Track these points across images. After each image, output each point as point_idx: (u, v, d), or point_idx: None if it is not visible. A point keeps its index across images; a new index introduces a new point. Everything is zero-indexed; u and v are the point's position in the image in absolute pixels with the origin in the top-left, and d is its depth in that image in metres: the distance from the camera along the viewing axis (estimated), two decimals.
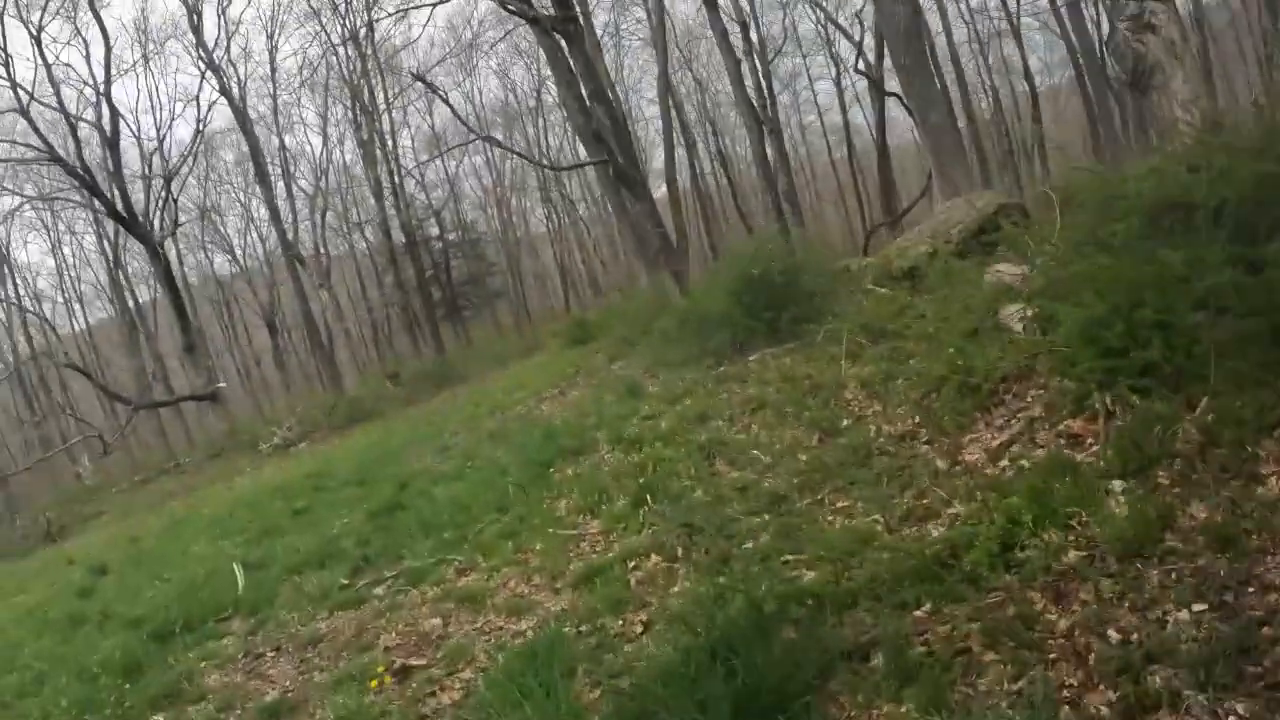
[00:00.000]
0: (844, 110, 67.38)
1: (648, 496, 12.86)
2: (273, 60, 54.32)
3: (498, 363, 44.42)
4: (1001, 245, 17.51)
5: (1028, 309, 12.42)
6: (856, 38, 50.88)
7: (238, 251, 71.07)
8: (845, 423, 13.45)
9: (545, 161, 34.57)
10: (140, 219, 45.76)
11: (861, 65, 48.31)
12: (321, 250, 57.81)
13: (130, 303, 62.10)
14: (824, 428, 13.46)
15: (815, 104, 69.84)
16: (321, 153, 59.14)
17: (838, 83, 68.08)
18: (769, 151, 35.07)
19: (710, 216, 62.49)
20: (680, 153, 58.11)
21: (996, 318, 13.40)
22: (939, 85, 28.74)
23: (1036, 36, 62.88)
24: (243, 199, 65.63)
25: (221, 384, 47.07)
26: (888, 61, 34.39)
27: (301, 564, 15.96)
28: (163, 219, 46.53)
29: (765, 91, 37.20)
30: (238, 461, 39.21)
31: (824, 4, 55.68)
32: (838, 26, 55.67)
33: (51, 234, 68.01)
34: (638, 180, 29.46)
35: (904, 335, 15.55)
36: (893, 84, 36.04)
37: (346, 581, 14.38)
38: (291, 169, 58.44)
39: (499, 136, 68.40)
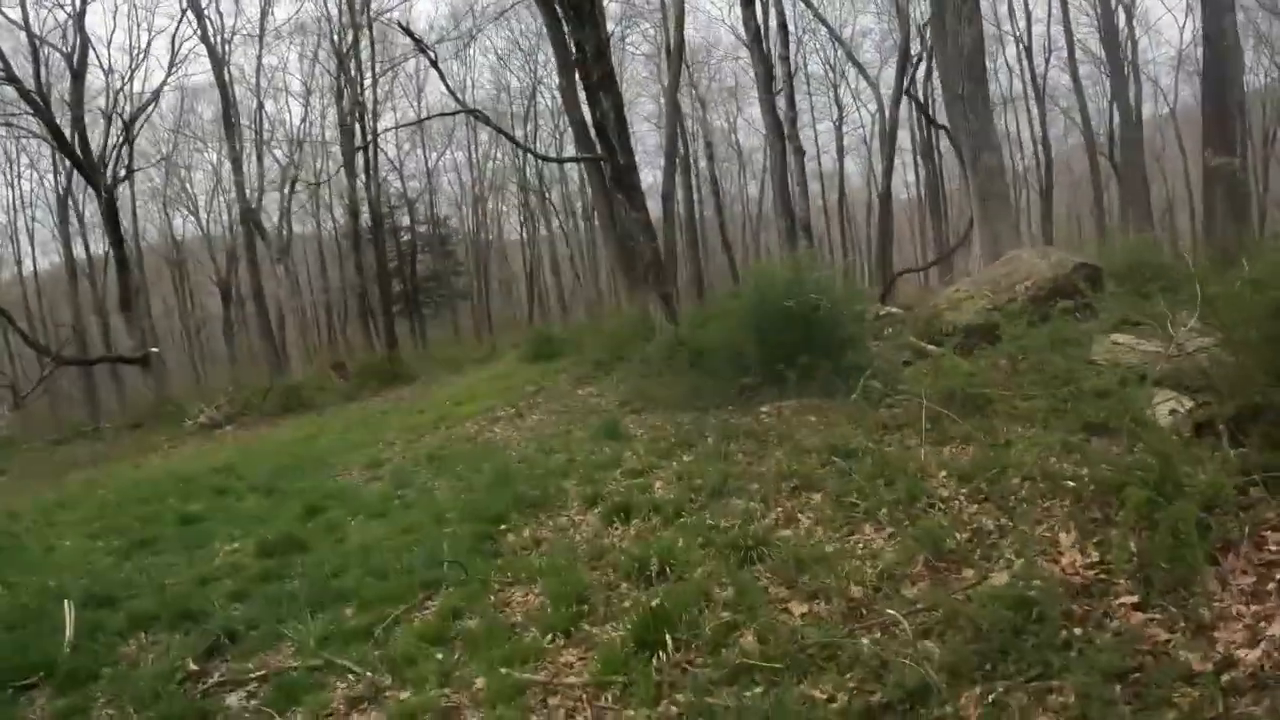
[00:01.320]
0: (841, 155, 63.27)
1: (665, 637, 7.80)
2: (263, 20, 48.96)
3: (451, 368, 40.14)
4: (1098, 311, 14.66)
5: (1187, 403, 9.77)
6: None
7: (202, 215, 65.57)
8: (960, 539, 8.69)
9: (536, 150, 30.10)
10: (95, 161, 40.34)
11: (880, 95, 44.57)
12: (283, 224, 52.40)
13: (78, 251, 56.74)
14: (924, 541, 8.62)
15: (816, 145, 65.42)
16: (301, 124, 53.86)
17: (839, 126, 63.92)
18: (789, 173, 30.14)
19: (699, 244, 57.79)
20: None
21: (1147, 409, 9.51)
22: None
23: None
24: (215, 160, 59.77)
25: (154, 348, 41.67)
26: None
27: (154, 615, 11.20)
28: (116, 162, 41.15)
29: (790, 106, 31.79)
30: (157, 436, 34.43)
31: (842, 40, 51.48)
32: (855, 64, 51.32)
33: (13, 166, 61.89)
34: (636, 185, 24.78)
35: (994, 412, 11.72)
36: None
37: (195, 668, 9.56)
38: (267, 137, 53.17)
39: (484, 137, 64.35)
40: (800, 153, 29.53)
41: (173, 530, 15.95)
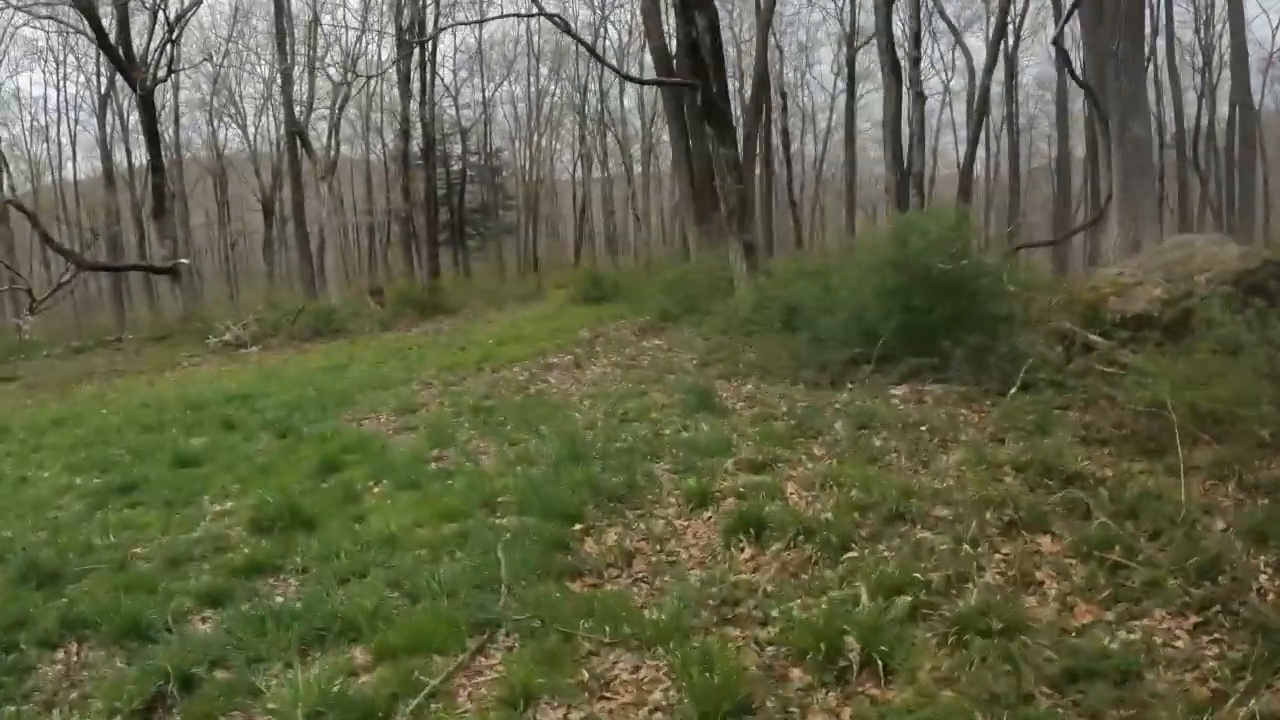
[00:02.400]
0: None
1: None
2: None
3: (494, 303, 36.66)
4: None
5: None
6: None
7: (250, 130, 61.66)
8: None
9: (620, 69, 26.25)
10: (136, 58, 36.68)
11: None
12: (331, 144, 48.56)
13: (119, 158, 53.17)
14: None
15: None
16: (357, 41, 49.91)
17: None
18: (907, 121, 26.20)
19: (771, 198, 53.78)
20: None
21: None
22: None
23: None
24: (266, 75, 55.66)
25: (184, 259, 38.02)
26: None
27: (94, 621, 7.61)
28: (158, 63, 37.46)
29: (914, 45, 27.52)
30: (179, 352, 30.97)
31: None
32: (949, 25, 47.06)
33: (60, 68, 58.00)
34: (728, 118, 21.28)
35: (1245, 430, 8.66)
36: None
37: None
38: (321, 53, 49.37)
39: (545, 70, 60.46)
40: (921, 98, 25.42)
41: (164, 473, 12.65)
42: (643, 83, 25.05)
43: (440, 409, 15.45)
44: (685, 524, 8.77)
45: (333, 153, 47.32)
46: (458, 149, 57.67)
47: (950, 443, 10.10)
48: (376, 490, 10.89)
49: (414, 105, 41.90)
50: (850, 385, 13.18)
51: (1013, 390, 11.52)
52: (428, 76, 42.21)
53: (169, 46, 38.17)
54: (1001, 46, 38.67)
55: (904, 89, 26.51)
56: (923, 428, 10.67)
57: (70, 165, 62.16)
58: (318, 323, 32.14)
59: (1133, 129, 18.44)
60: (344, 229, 60.28)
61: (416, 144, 43.58)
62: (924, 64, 55.80)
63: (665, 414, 12.93)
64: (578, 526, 8.78)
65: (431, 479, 10.97)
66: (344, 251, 58.74)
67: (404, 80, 40.78)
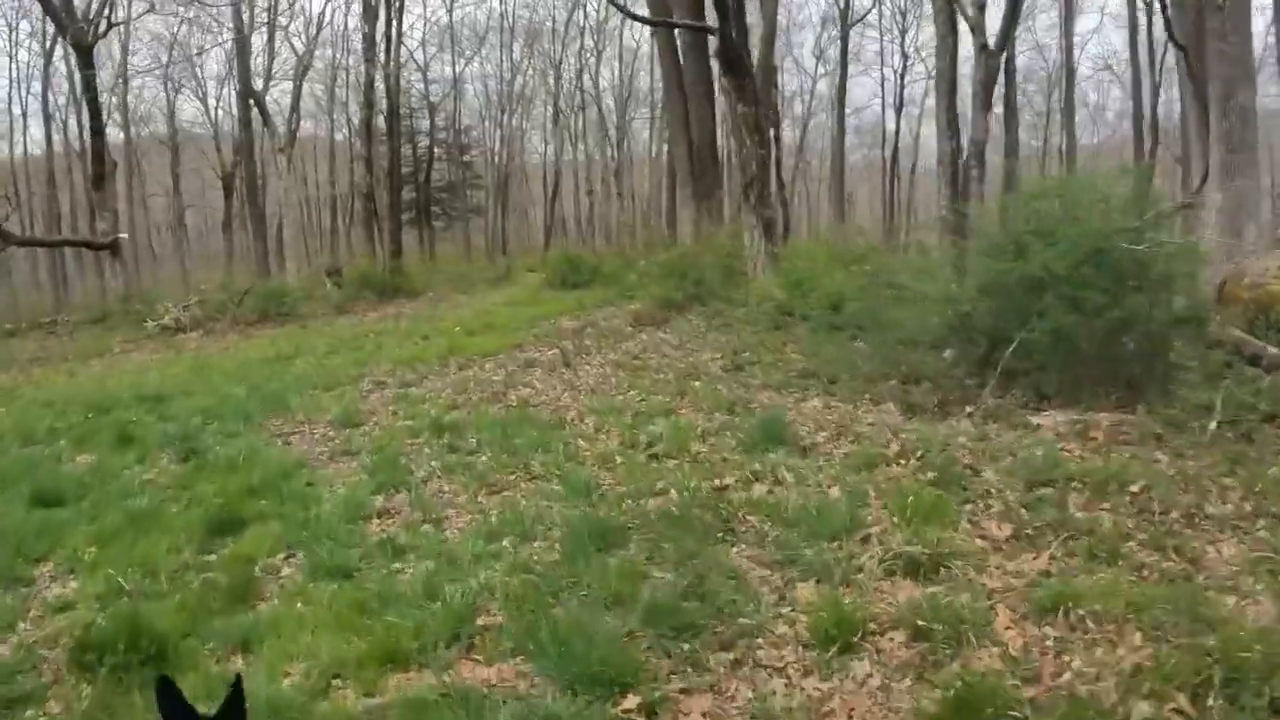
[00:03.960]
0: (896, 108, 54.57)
1: None
2: None
3: (461, 287, 32.65)
4: None
5: None
6: None
7: (210, 102, 56.36)
8: None
9: (623, 5, 22.03)
10: (76, 14, 32.04)
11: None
12: (293, 118, 43.82)
13: (63, 130, 48.11)
14: None
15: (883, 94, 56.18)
16: (321, 6, 45.24)
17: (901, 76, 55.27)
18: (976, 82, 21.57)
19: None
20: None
21: None
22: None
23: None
24: (228, 48, 50.12)
25: (123, 234, 33.47)
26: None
27: None
28: (99, 13, 32.84)
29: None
30: (113, 337, 26.73)
31: None
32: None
33: (14, 34, 52.39)
34: (748, 71, 17.29)
35: None
36: None
37: None
38: (284, 21, 44.67)
39: (518, 47, 55.90)
40: (987, 52, 20.71)
41: (15, 515, 8.87)
42: (652, 23, 20.81)
43: (393, 424, 11.47)
44: (825, 690, 4.64)
45: (293, 125, 42.79)
46: (426, 125, 53.04)
47: (1199, 520, 6.18)
48: (285, 575, 6.92)
49: (379, 72, 37.16)
50: (968, 409, 9.20)
51: (1212, 424, 7.99)
52: (393, 36, 37.35)
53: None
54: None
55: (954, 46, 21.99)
56: (1137, 490, 6.74)
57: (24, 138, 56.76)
58: (267, 305, 27.86)
59: (1238, 97, 14.70)
60: (305, 206, 55.83)
61: (381, 115, 38.84)
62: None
63: (714, 447, 8.90)
64: (627, 702, 4.58)
65: (371, 558, 6.95)
66: (305, 230, 54.27)
67: (369, 45, 36.02)
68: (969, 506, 6.82)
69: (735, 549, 6.38)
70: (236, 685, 3.14)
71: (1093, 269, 8.96)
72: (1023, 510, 6.60)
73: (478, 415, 11.12)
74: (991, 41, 21.61)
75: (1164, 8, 16.10)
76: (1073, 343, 9.11)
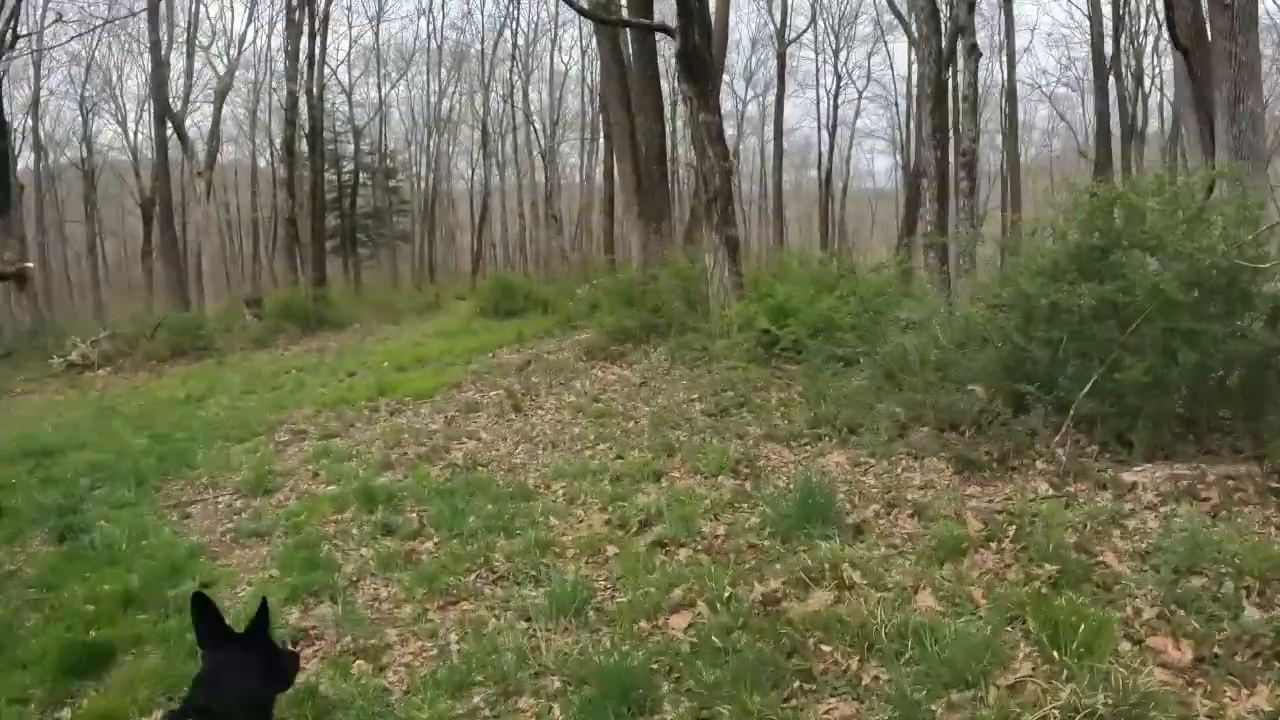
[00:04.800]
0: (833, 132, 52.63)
1: None
2: None
3: (388, 316, 30.22)
4: None
5: None
6: None
7: (130, 126, 53.11)
8: None
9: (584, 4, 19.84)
10: None
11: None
12: (213, 140, 40.97)
13: None
14: None
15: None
16: (243, 28, 42.64)
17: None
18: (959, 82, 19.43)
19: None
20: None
21: None
22: None
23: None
24: (148, 65, 46.63)
25: (28, 263, 30.60)
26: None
27: None
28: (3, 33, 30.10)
29: None
30: (15, 377, 24.23)
31: None
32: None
33: None
34: (711, 72, 15.27)
35: None
36: None
37: None
38: (206, 42, 42.05)
39: (444, 71, 53.37)
40: (975, 53, 18.11)
41: None
42: (606, 21, 18.60)
43: (314, 490, 9.26)
44: None
45: (213, 148, 40.16)
46: (351, 149, 50.25)
47: None
48: None
49: (300, 88, 34.33)
50: (1037, 464, 7.33)
51: None
52: (316, 52, 34.64)
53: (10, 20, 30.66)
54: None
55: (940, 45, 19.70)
56: None
57: None
58: (182, 339, 25.26)
59: (1248, 102, 13.15)
60: (228, 233, 53.01)
61: (304, 134, 36.02)
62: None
63: (733, 528, 6.71)
64: None
65: None
66: (227, 258, 51.40)
67: (292, 61, 33.27)
68: (1116, 615, 4.80)
69: (824, 706, 4.21)
70: (263, 605, 3.33)
71: (1205, 293, 6.93)
72: (1189, 617, 4.67)
73: (416, 479, 8.89)
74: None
75: (1168, 7, 14.31)
76: (1168, 382, 7.07)
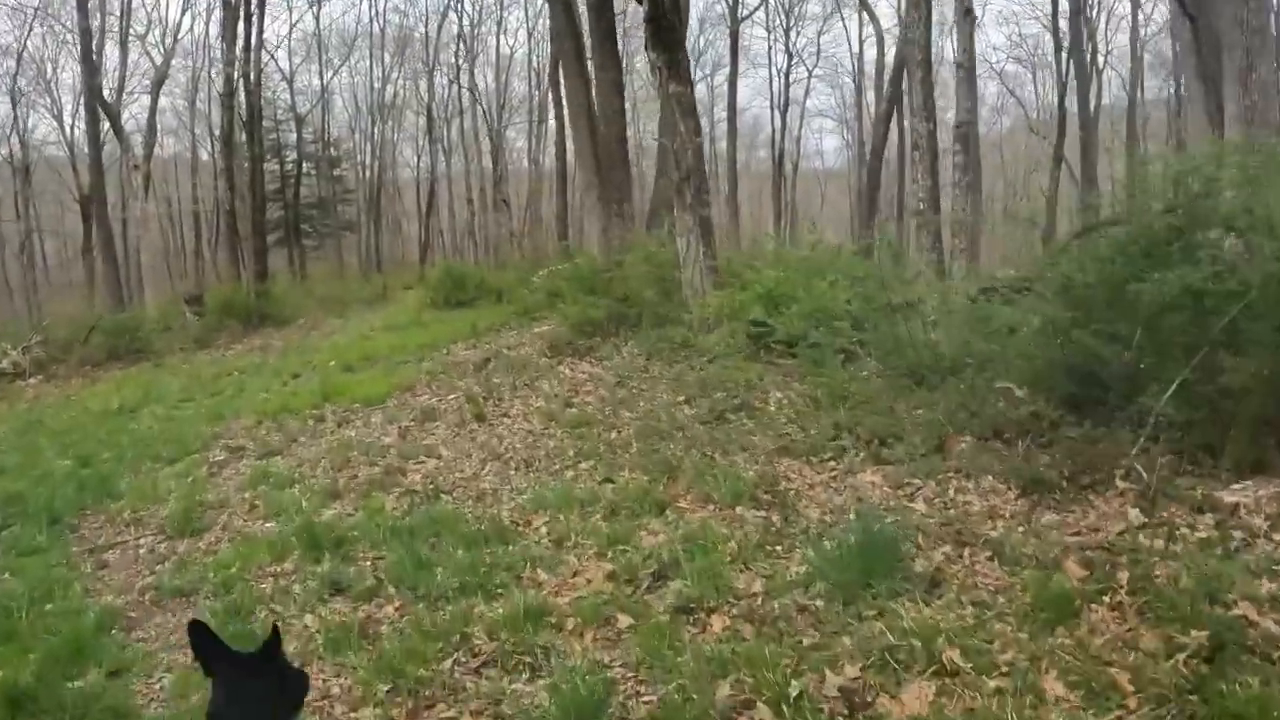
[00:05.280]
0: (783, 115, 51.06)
1: None
2: None
3: (335, 309, 28.36)
4: None
5: None
6: None
7: (66, 119, 50.67)
8: None
9: None
10: None
11: None
12: (150, 132, 38.93)
13: None
14: None
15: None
16: (179, 15, 40.68)
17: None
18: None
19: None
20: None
21: None
22: None
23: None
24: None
25: None
26: None
27: None
28: None
29: None
30: None
31: None
32: None
33: None
34: (681, 41, 13.84)
35: None
36: None
37: None
38: (142, 30, 40.03)
39: (388, 56, 51.37)
40: (970, 16, 16.43)
41: None
42: None
43: (249, 528, 7.85)
44: None
45: (150, 141, 38.23)
46: (293, 138, 48.10)
47: None
48: None
49: (237, 71, 32.17)
50: (1117, 483, 5.97)
51: None
52: (253, 34, 32.48)
53: None
54: None
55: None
56: None
57: None
58: (118, 342, 23.33)
59: (1260, 71, 12.45)
60: (171, 228, 50.99)
61: (242, 118, 33.88)
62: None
63: (773, 583, 5.26)
64: None
65: None
66: (169, 255, 49.28)
67: (230, 44, 31.06)
68: None
69: None
70: (275, 633, 3.01)
71: None
72: None
73: (368, 512, 7.44)
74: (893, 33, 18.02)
75: None
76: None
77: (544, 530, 6.57)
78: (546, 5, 24.01)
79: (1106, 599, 4.58)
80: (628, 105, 22.80)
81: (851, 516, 5.85)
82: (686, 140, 12.96)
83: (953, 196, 15.81)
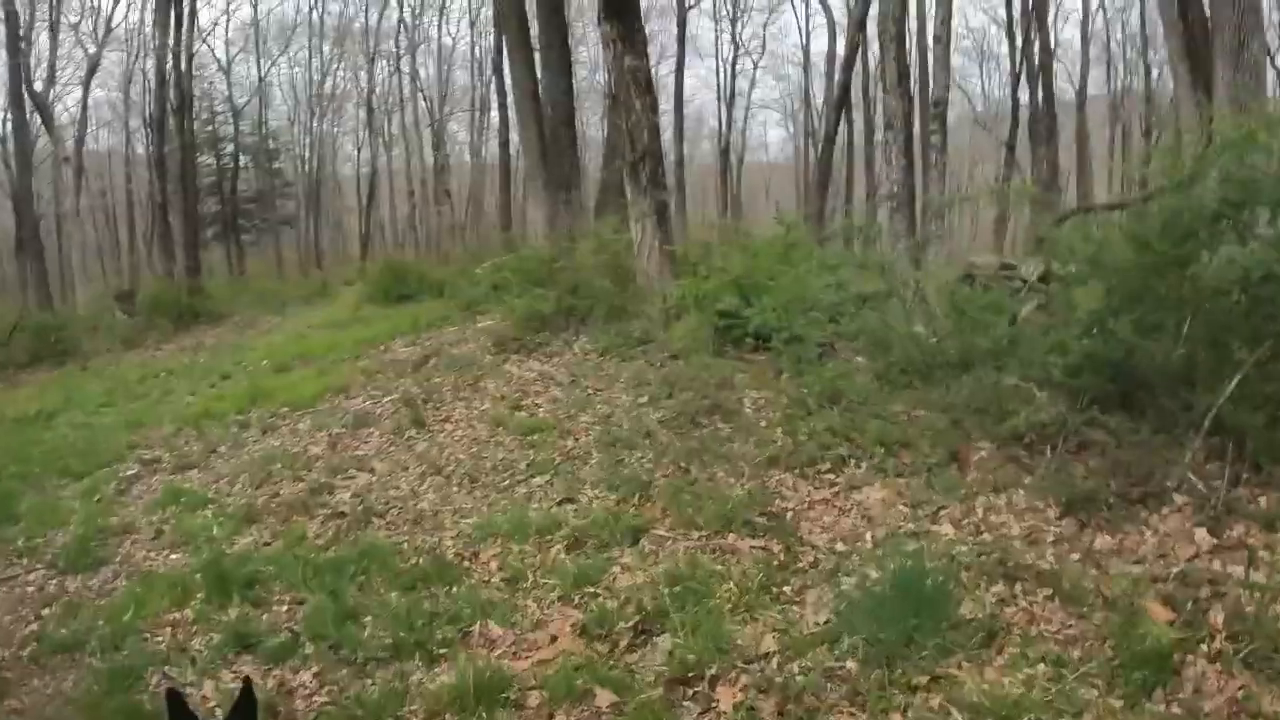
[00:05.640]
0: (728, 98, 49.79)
1: None
2: None
3: (272, 306, 26.13)
4: None
5: None
6: None
7: None
8: None
9: None
10: None
11: None
12: (81, 124, 37.31)
13: None
14: None
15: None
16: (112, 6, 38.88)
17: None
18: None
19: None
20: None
21: None
22: None
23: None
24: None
25: None
26: None
27: None
28: None
29: None
30: None
31: None
32: None
33: None
34: (636, 8, 12.54)
35: None
36: None
37: None
38: (74, 20, 38.37)
39: (327, 48, 49.83)
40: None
41: None
42: None
43: (150, 562, 6.71)
44: None
45: (81, 132, 36.63)
46: (230, 130, 46.34)
47: None
48: None
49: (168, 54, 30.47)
50: (1175, 498, 5.09)
51: None
52: (184, 14, 30.74)
53: None
54: None
55: None
56: None
57: None
58: (42, 343, 21.85)
59: (1252, 48, 11.92)
60: (108, 223, 49.14)
61: (173, 106, 32.14)
62: None
63: (791, 640, 4.15)
64: None
65: None
66: (103, 251, 47.58)
67: (162, 28, 29.27)
68: None
69: None
70: (246, 687, 2.78)
71: None
72: None
73: (288, 542, 6.33)
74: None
75: None
76: None
77: (494, 566, 5.45)
78: None
79: (1204, 647, 3.67)
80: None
81: (869, 545, 4.80)
82: (641, 118, 11.84)
83: (925, 180, 14.74)
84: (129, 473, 9.29)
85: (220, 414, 11.01)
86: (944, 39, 14.82)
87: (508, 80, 23.66)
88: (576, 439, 7.67)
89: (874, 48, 29.74)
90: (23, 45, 31.99)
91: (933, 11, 17.41)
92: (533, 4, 18.20)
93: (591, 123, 45.42)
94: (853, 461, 6.16)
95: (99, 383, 16.52)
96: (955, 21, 50.47)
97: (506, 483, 6.95)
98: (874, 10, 18.53)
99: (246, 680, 2.84)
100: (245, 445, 9.44)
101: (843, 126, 33.94)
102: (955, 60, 46.89)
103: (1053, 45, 38.36)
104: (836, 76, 33.66)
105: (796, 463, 6.26)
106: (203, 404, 11.98)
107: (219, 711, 4.15)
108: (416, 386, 10.50)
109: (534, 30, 18.23)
